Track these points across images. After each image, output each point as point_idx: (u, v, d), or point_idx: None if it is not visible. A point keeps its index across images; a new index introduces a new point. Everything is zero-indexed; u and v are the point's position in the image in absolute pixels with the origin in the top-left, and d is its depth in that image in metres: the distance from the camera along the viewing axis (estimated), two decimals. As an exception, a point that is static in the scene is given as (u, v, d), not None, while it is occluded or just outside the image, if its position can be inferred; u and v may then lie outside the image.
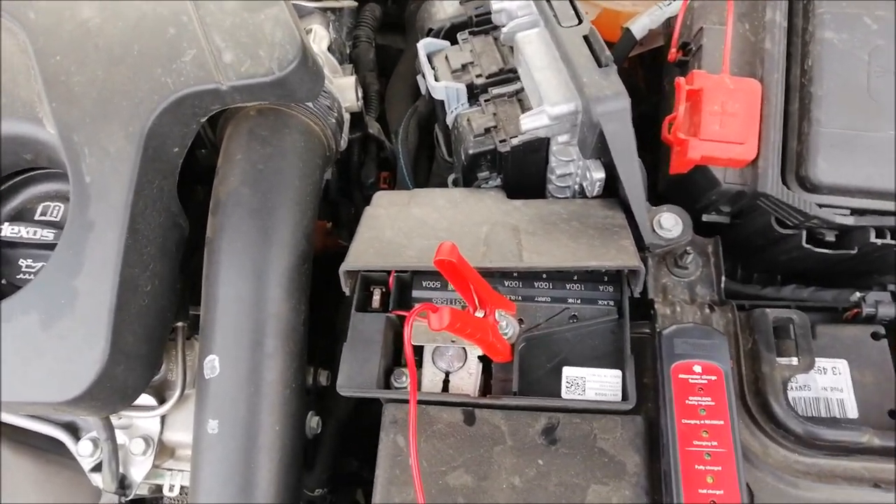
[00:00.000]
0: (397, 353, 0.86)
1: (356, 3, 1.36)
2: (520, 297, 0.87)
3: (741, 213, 0.95)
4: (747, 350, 0.84)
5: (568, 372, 0.80)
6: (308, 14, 1.21)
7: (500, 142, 0.94)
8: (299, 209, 0.91)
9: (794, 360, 0.82)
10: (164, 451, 0.99)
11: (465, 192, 0.99)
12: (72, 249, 0.79)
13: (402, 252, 0.85)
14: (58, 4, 0.88)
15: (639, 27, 1.05)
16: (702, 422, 0.74)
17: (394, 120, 1.31)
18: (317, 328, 0.95)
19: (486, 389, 0.83)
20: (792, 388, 0.84)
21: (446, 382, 0.83)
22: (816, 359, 0.83)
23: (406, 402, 0.78)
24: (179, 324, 0.95)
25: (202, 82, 0.82)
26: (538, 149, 0.93)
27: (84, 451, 0.94)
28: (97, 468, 0.94)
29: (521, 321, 0.85)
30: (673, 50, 1.00)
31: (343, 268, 0.83)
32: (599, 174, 0.89)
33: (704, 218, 0.97)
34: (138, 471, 0.96)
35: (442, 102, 1.01)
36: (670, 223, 0.90)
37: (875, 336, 0.87)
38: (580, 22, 0.86)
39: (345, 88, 1.12)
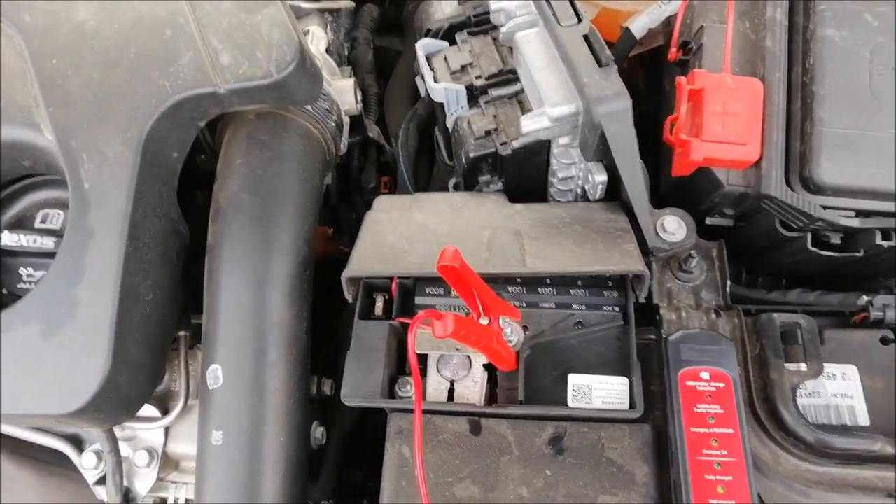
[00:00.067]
0: (401, 362, 0.85)
1: (354, 5, 1.34)
2: (524, 304, 0.86)
3: (745, 216, 0.95)
4: (755, 356, 0.84)
5: (574, 380, 0.80)
6: (305, 15, 1.20)
7: (501, 144, 0.93)
8: (300, 215, 0.90)
9: (803, 366, 0.82)
10: (168, 463, 0.98)
11: (467, 196, 0.98)
12: (72, 258, 0.78)
13: (404, 258, 0.84)
14: (53, 7, 0.87)
15: (638, 26, 1.04)
16: (711, 430, 0.73)
17: (393, 123, 1.30)
18: (319, 336, 0.95)
19: (491, 398, 0.82)
20: (801, 395, 0.84)
21: (451, 391, 0.82)
22: (825, 364, 0.83)
23: (411, 411, 0.77)
24: (182, 333, 0.94)
25: (200, 85, 0.81)
26: (539, 151, 0.93)
27: (88, 464, 0.93)
28: (101, 481, 0.93)
29: (525, 328, 0.84)
30: (673, 49, 0.99)
31: (345, 275, 0.82)
32: (601, 177, 0.88)
33: (708, 221, 0.96)
34: (143, 483, 0.95)
35: (442, 105, 1.00)
36: (674, 226, 0.89)
37: (884, 341, 0.86)
38: (580, 21, 0.86)
39: (344, 91, 1.11)
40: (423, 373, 0.83)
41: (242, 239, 0.85)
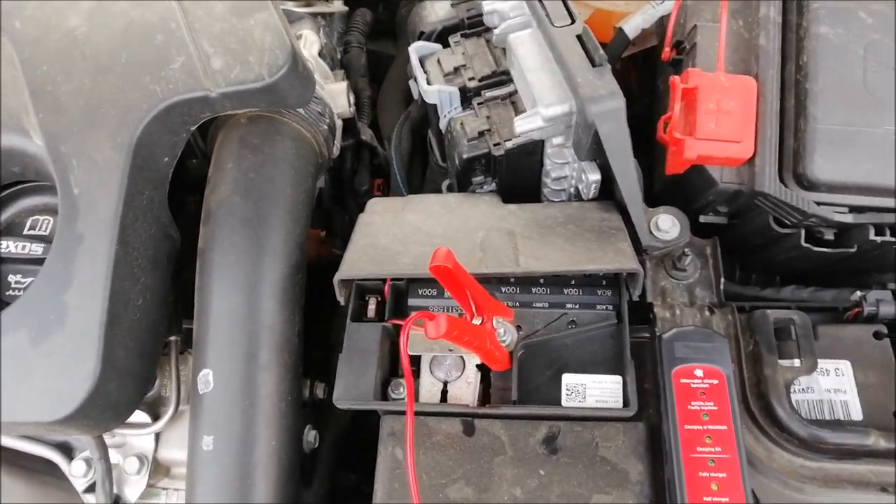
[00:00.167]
0: (394, 364, 0.85)
1: (347, 9, 1.34)
2: (517, 304, 0.86)
3: (739, 214, 0.95)
4: (748, 352, 0.83)
5: (568, 379, 0.79)
6: (298, 19, 1.19)
7: (495, 145, 0.93)
8: (292, 218, 0.89)
9: (797, 362, 0.82)
10: (159, 469, 0.97)
11: (460, 198, 0.98)
12: (61, 263, 0.77)
13: (397, 259, 0.84)
14: (44, 14, 0.87)
15: (632, 27, 1.04)
16: (705, 427, 0.73)
17: (386, 126, 1.30)
18: (313, 339, 0.94)
19: (485, 399, 0.82)
20: (795, 390, 0.83)
21: (445, 392, 0.82)
22: (819, 360, 0.82)
23: (404, 413, 0.76)
24: (172, 338, 0.94)
25: (191, 90, 0.81)
26: (533, 152, 0.93)
27: (77, 472, 0.92)
28: (91, 489, 0.92)
29: (519, 328, 0.84)
30: (667, 49, 0.99)
31: (337, 277, 0.82)
32: (595, 176, 0.88)
33: (702, 219, 0.96)
34: (133, 490, 0.94)
35: (435, 107, 1.00)
36: (667, 225, 0.89)
37: (877, 335, 0.86)
38: (573, 21, 0.86)
39: (336, 94, 1.11)
40: (417, 374, 0.83)
41: (234, 242, 0.85)
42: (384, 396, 0.81)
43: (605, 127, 0.79)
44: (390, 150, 1.21)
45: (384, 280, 0.87)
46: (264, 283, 0.84)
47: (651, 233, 0.89)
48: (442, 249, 0.67)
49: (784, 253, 0.93)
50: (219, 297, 0.83)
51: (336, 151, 1.09)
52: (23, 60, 0.85)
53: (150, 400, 0.94)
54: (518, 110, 0.94)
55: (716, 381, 0.75)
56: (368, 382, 0.80)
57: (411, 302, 0.88)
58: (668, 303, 0.88)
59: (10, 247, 0.87)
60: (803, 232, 0.88)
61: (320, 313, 0.99)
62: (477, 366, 0.82)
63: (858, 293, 0.88)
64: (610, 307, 0.85)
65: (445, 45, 1.03)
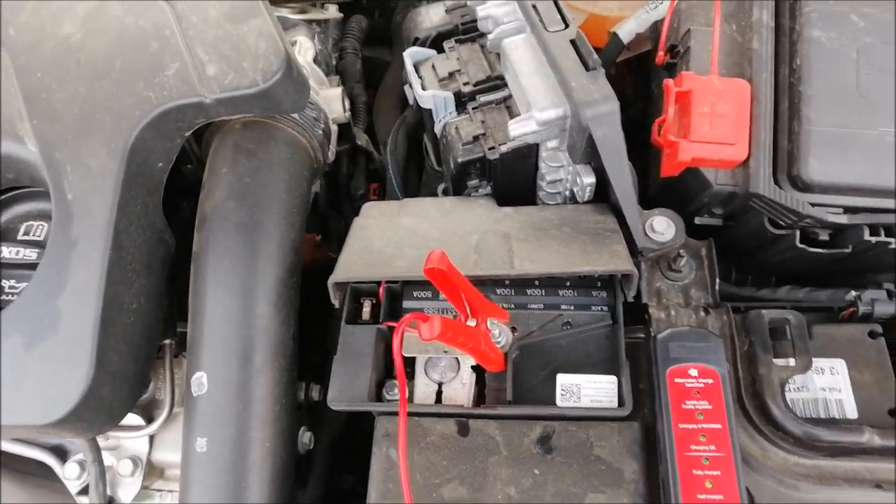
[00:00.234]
0: (389, 366, 0.85)
1: (342, 15, 1.35)
2: (512, 305, 0.86)
3: (734, 215, 0.95)
4: (743, 352, 0.83)
5: (562, 379, 0.79)
6: (293, 26, 1.20)
7: (489, 149, 0.93)
8: (286, 222, 0.90)
9: (792, 361, 0.82)
10: (153, 471, 0.97)
11: (455, 201, 0.98)
12: (54, 268, 0.78)
13: (391, 262, 0.84)
14: (38, 21, 0.87)
15: (626, 31, 1.05)
16: (699, 426, 0.73)
17: (382, 131, 1.30)
18: (308, 342, 0.94)
19: (479, 400, 0.82)
20: (790, 389, 0.84)
21: (439, 394, 0.82)
22: (814, 359, 0.82)
23: (398, 414, 0.76)
24: (167, 341, 0.93)
25: (185, 96, 0.81)
26: (527, 155, 0.93)
27: (70, 474, 0.92)
28: (84, 491, 0.92)
29: (514, 329, 0.84)
30: (661, 53, 0.99)
31: (332, 279, 0.82)
32: (590, 179, 0.88)
33: (697, 220, 0.96)
34: (127, 493, 0.94)
35: (430, 112, 1.00)
36: (662, 226, 0.89)
37: (872, 335, 0.86)
38: (567, 26, 0.86)
39: (331, 100, 1.12)
40: (411, 376, 0.83)
41: (228, 247, 0.85)
42: (379, 398, 0.81)
43: (600, 130, 0.79)
44: (386, 154, 1.21)
45: (379, 283, 0.87)
46: (259, 287, 0.84)
47: (646, 234, 0.89)
48: (436, 252, 0.67)
49: (779, 254, 0.93)
50: (213, 301, 0.83)
51: (331, 156, 1.09)
52: (17, 67, 0.85)
53: (145, 403, 0.94)
54: (513, 114, 0.95)
55: (710, 381, 0.75)
56: (363, 384, 0.80)
57: (406, 304, 0.88)
58: (664, 304, 0.88)
59: (5, 252, 0.87)
60: (798, 233, 0.88)
61: (316, 316, 0.99)
62: (472, 367, 0.82)
63: (853, 293, 0.88)
64: (605, 308, 0.85)
65: (440, 50, 1.03)
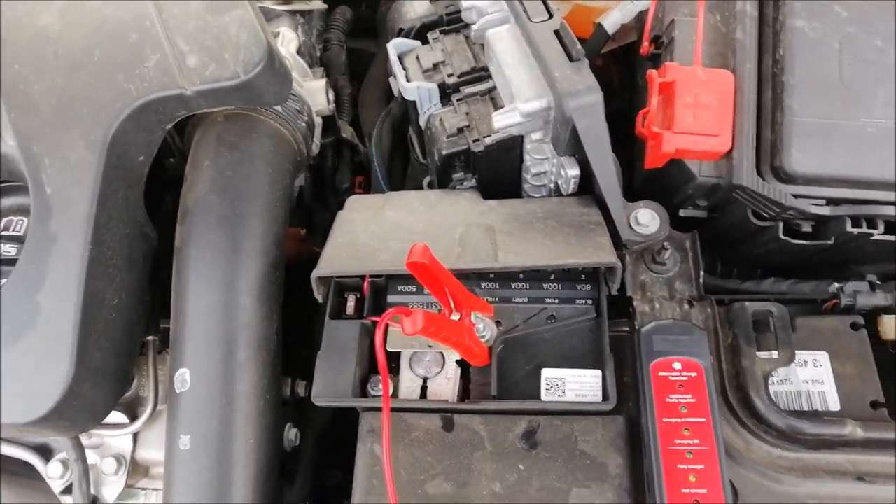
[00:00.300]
0: (374, 361, 0.84)
1: (326, 7, 1.34)
2: (497, 299, 0.86)
3: (718, 207, 0.95)
4: (727, 345, 0.84)
5: (547, 373, 0.79)
6: (276, 17, 1.19)
7: (474, 141, 0.93)
8: (269, 216, 0.89)
9: (775, 354, 0.82)
10: (137, 469, 0.96)
11: (440, 194, 0.98)
12: (34, 264, 0.77)
13: (376, 256, 0.84)
14: (15, 12, 0.86)
15: (611, 22, 1.04)
16: (683, 420, 0.73)
17: (367, 123, 1.29)
18: (295, 338, 0.94)
19: (464, 394, 0.82)
20: (773, 382, 0.84)
21: (424, 389, 0.82)
22: (797, 351, 0.83)
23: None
24: (150, 337, 0.93)
25: (166, 88, 0.80)
26: (512, 147, 0.92)
27: (54, 473, 0.91)
28: (68, 490, 0.91)
29: (498, 323, 0.84)
30: (645, 43, 0.99)
31: (315, 274, 0.82)
32: (574, 171, 0.88)
33: (681, 213, 0.96)
34: (111, 491, 0.93)
35: (415, 104, 1.00)
36: (647, 219, 0.89)
37: (854, 326, 0.87)
38: (551, 17, 0.86)
39: (315, 91, 1.11)
40: (396, 371, 0.83)
41: (210, 240, 0.84)
42: (363, 393, 0.81)
43: (583, 122, 0.78)
44: (371, 147, 1.20)
45: (363, 277, 0.86)
46: (241, 281, 0.84)
47: (630, 227, 0.89)
48: (418, 245, 0.66)
49: (763, 246, 0.93)
50: (196, 296, 0.83)
51: (315, 149, 1.09)
52: (-7, 61, 0.84)
53: (128, 400, 0.94)
54: (497, 106, 0.94)
55: (694, 374, 0.76)
56: (347, 380, 0.79)
57: (390, 299, 0.88)
58: (648, 297, 0.88)
59: (-16, 248, 0.86)
60: (781, 224, 0.88)
61: (302, 311, 0.99)
62: (457, 362, 0.82)
63: (836, 285, 0.88)
64: (589, 301, 0.85)
65: (424, 41, 1.03)
